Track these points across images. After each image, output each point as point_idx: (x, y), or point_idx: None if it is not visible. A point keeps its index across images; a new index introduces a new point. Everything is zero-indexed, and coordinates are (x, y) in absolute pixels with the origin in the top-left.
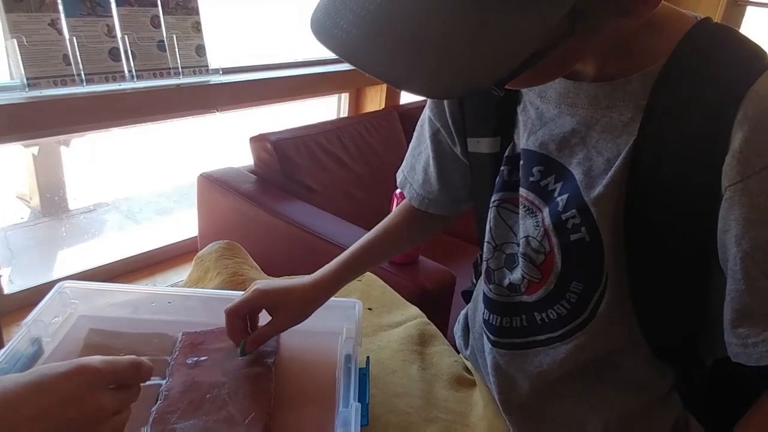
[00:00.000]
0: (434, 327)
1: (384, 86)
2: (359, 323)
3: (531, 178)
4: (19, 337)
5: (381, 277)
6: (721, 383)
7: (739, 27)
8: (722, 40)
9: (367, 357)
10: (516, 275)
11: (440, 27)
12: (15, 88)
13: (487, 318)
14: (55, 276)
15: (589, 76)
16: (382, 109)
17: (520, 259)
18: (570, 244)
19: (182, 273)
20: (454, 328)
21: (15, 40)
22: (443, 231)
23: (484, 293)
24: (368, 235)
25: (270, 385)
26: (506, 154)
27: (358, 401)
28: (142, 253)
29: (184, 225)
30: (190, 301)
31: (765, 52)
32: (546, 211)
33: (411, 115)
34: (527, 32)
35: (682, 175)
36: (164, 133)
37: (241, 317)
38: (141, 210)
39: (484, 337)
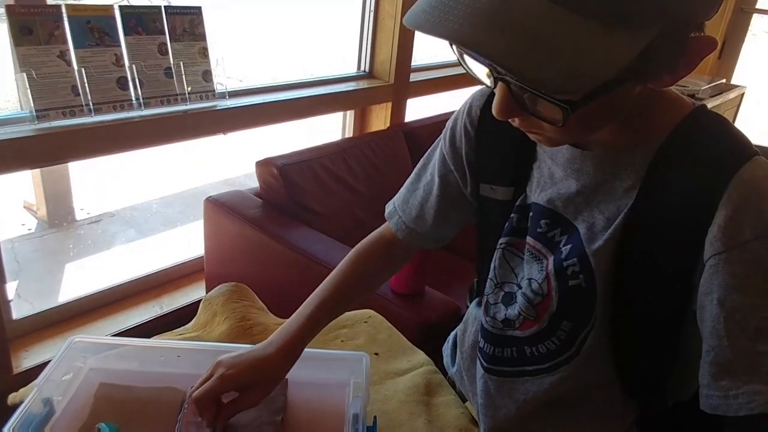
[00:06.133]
0: (441, 375)
1: (389, 104)
2: (367, 379)
3: (539, 229)
4: (31, 399)
5: (386, 310)
6: (678, 426)
7: (745, 33)
8: (713, 127)
9: (375, 417)
10: (512, 311)
11: (550, 29)
12: (24, 120)
13: (482, 346)
14: (62, 293)
15: (597, 147)
16: (387, 128)
17: (520, 298)
18: (568, 289)
19: (189, 294)
20: (443, 347)
21: (25, 74)
22: (453, 252)
23: (481, 324)
24: (328, 284)
25: None
26: (517, 203)
27: None
28: (148, 275)
29: (190, 238)
30: (199, 354)
31: (749, 142)
32: (551, 259)
33: (416, 133)
34: (617, 53)
35: (669, 241)
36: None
37: (209, 401)
38: (146, 220)
39: (478, 363)
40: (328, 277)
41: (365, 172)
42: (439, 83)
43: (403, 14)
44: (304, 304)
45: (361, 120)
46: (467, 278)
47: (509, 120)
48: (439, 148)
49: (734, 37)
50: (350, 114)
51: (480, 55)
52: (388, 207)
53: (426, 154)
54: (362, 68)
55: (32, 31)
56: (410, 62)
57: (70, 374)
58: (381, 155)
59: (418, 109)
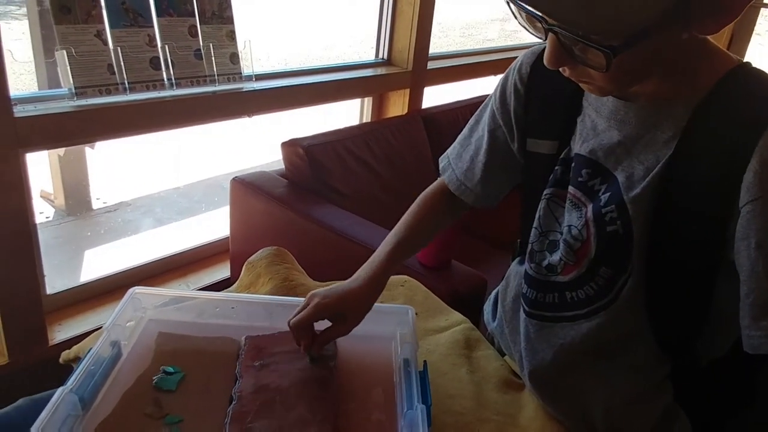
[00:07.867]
0: (479, 332)
1: (407, 92)
2: (414, 328)
3: (580, 179)
4: (102, 341)
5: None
6: (713, 385)
7: (753, 27)
8: (755, 83)
9: (425, 361)
10: (555, 257)
11: None
12: (63, 97)
13: (525, 292)
14: (83, 276)
15: (641, 98)
16: (406, 113)
17: (561, 244)
18: (605, 234)
19: (214, 274)
20: (484, 306)
21: (64, 51)
22: (473, 236)
23: (525, 270)
24: (401, 227)
25: (334, 388)
26: (561, 156)
27: (422, 403)
28: (173, 254)
29: (209, 225)
30: (252, 306)
31: None
32: (590, 207)
33: (435, 118)
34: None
35: (705, 190)
36: (181, 132)
37: (305, 328)
38: (162, 210)
39: (521, 309)
40: (399, 222)
41: (386, 155)
42: (456, 72)
43: (421, 3)
44: (382, 244)
45: (379, 107)
46: (488, 263)
47: (560, 70)
48: (490, 104)
49: (742, 31)
50: (368, 101)
51: (531, 8)
52: (442, 161)
53: (477, 111)
54: (380, 55)
55: (71, 10)
56: (428, 50)
57: (133, 322)
58: (401, 139)
59: (434, 100)
